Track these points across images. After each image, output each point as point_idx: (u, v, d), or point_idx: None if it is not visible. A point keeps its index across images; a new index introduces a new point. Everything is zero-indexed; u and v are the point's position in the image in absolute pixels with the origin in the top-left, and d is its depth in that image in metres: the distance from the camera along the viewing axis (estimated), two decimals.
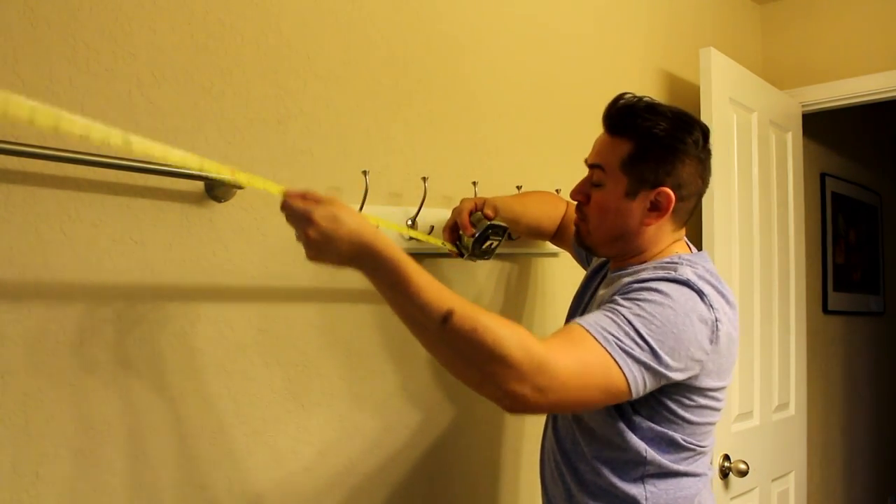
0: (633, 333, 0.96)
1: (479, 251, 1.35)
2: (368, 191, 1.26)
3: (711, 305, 1.02)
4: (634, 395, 0.98)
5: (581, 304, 1.30)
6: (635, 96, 1.14)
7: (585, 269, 1.44)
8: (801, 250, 2.48)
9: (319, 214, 0.88)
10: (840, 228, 3.24)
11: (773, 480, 2.26)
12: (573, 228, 1.49)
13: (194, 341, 1.12)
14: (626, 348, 0.95)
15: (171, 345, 1.09)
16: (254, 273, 1.19)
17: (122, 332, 1.04)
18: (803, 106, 2.55)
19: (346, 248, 0.89)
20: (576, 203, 1.19)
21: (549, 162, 1.74)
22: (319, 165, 1.28)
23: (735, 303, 1.12)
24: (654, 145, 1.09)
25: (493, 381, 0.90)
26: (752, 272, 2.16)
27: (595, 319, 0.98)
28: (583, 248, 1.24)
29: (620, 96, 1.15)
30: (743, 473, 1.97)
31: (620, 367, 0.94)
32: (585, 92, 1.86)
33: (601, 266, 1.30)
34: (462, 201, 1.37)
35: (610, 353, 0.94)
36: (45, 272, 0.97)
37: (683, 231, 1.19)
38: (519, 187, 1.59)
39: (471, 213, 1.34)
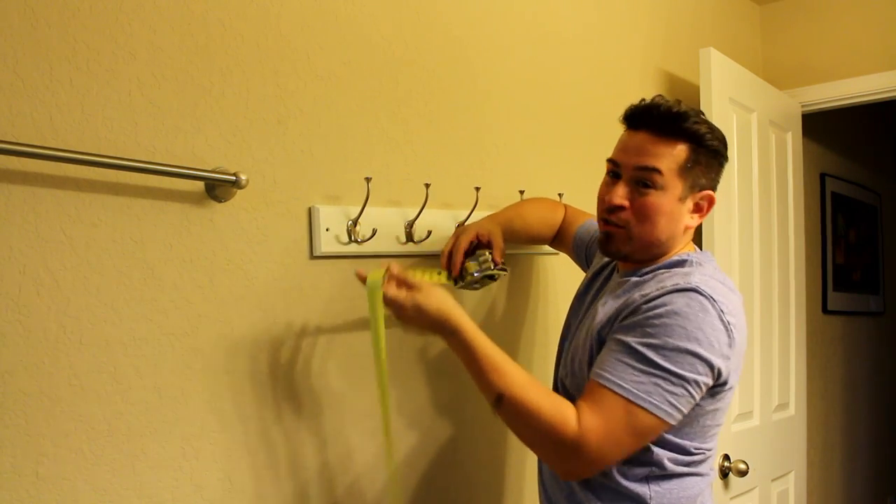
0: (647, 367, 0.99)
1: (474, 286, 1.35)
2: (370, 189, 1.26)
3: (723, 310, 1.03)
4: (674, 421, 1.02)
5: (582, 306, 1.29)
6: (669, 100, 1.12)
7: (585, 271, 1.44)
8: (800, 250, 2.48)
9: (409, 305, 1.07)
10: (840, 228, 3.24)
11: (772, 480, 2.26)
12: (572, 232, 1.50)
13: (195, 341, 1.12)
14: (645, 388, 0.99)
15: (171, 345, 1.09)
16: (254, 273, 1.19)
17: (122, 332, 1.04)
18: (803, 106, 2.55)
19: (429, 327, 1.07)
20: (607, 208, 1.13)
21: (550, 163, 1.74)
22: (319, 165, 1.28)
23: (740, 296, 1.12)
24: (707, 150, 1.11)
25: (543, 456, 1.11)
26: (752, 272, 2.16)
27: (610, 370, 1.02)
28: (611, 257, 1.20)
29: (655, 98, 1.13)
30: (743, 473, 1.97)
31: (646, 409, 0.99)
32: (586, 92, 1.86)
33: (603, 267, 1.30)
34: (463, 231, 1.35)
35: (630, 401, 0.99)
36: (45, 272, 0.97)
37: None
38: (521, 192, 1.59)
39: (471, 243, 1.33)
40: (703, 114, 1.14)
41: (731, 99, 2.06)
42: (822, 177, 3.09)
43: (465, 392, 1.52)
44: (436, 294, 1.06)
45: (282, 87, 1.23)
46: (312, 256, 1.27)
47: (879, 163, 3.80)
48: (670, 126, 1.09)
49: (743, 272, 2.11)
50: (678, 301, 1.02)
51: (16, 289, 0.95)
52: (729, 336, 1.03)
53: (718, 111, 1.98)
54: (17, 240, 0.95)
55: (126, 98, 1.05)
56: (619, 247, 1.14)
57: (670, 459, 1.08)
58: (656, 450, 1.07)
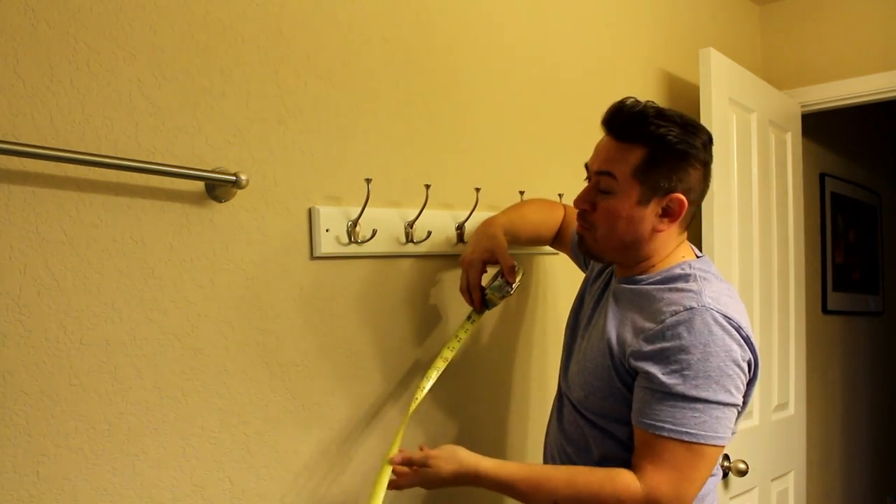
0: (701, 405, 1.01)
1: (494, 306, 1.39)
2: (370, 189, 1.27)
3: (740, 325, 1.04)
4: (731, 440, 1.06)
5: (584, 311, 1.29)
6: (638, 101, 1.12)
7: (584, 271, 1.44)
8: (800, 250, 2.48)
9: (426, 481, 1.12)
10: (839, 228, 3.24)
11: (772, 480, 2.26)
12: (570, 232, 1.50)
13: (195, 341, 1.12)
14: (709, 425, 1.01)
15: (171, 345, 1.09)
16: (254, 273, 1.19)
17: (122, 332, 1.04)
18: (803, 106, 2.55)
19: (453, 484, 1.12)
20: (579, 212, 1.17)
21: (550, 163, 1.74)
22: (319, 165, 1.28)
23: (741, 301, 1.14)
24: (667, 152, 1.08)
25: None
26: (752, 272, 2.16)
27: (664, 416, 1.02)
28: (588, 257, 1.23)
29: (622, 101, 1.13)
30: (742, 473, 1.97)
31: (714, 445, 1.02)
32: (585, 92, 1.86)
33: (602, 271, 1.30)
34: (470, 265, 1.34)
35: (700, 443, 1.01)
36: (45, 272, 0.97)
37: (686, 234, 1.18)
38: (521, 192, 1.59)
39: (482, 274, 1.34)
40: (676, 115, 1.11)
41: (731, 99, 2.06)
42: (822, 177, 3.09)
43: (466, 393, 1.52)
44: (443, 457, 1.11)
45: (282, 87, 1.23)
46: (313, 257, 1.27)
47: (879, 163, 3.80)
48: (628, 130, 1.10)
49: (742, 272, 2.11)
50: (698, 326, 1.02)
51: (16, 289, 0.95)
52: (749, 349, 1.05)
53: (718, 111, 1.99)
54: (17, 240, 0.95)
55: (126, 98, 1.05)
56: (590, 247, 1.17)
57: None
58: None
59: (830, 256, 3.13)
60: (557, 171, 1.75)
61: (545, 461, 1.27)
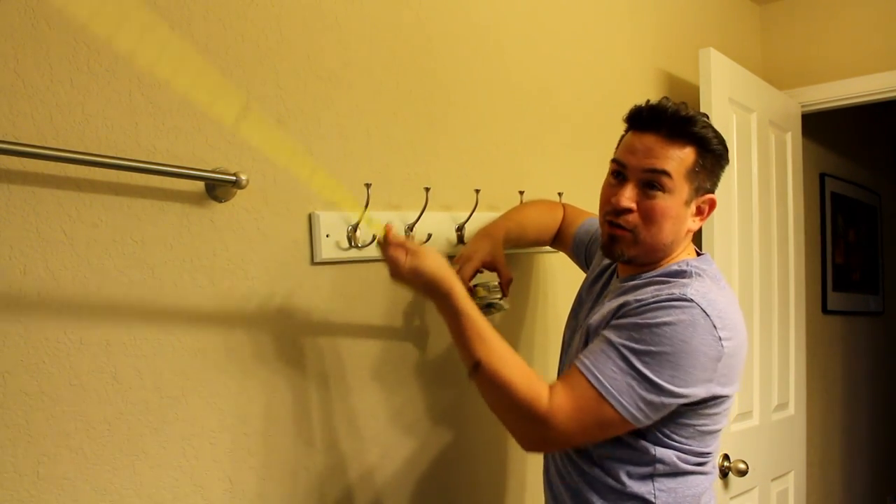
0: (626, 367, 1.01)
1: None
2: (370, 194, 1.26)
3: (715, 325, 1.02)
4: (640, 424, 1.03)
5: (582, 311, 1.29)
6: (677, 103, 1.11)
7: (584, 271, 1.44)
8: (800, 250, 2.48)
9: (407, 268, 1.09)
10: (839, 228, 3.24)
11: (772, 480, 2.26)
12: (572, 232, 1.50)
13: (195, 341, 1.12)
14: (618, 385, 1.01)
15: (171, 345, 1.09)
16: (254, 273, 1.19)
17: (122, 332, 1.04)
18: (803, 106, 2.55)
19: (422, 287, 1.10)
20: (613, 210, 1.11)
21: (550, 163, 1.74)
22: (319, 166, 1.28)
23: (738, 306, 1.12)
24: (710, 154, 1.11)
25: (508, 425, 1.10)
26: (752, 272, 2.16)
27: (592, 359, 1.04)
28: (614, 260, 1.18)
29: (662, 99, 1.11)
30: (742, 473, 1.97)
31: (612, 405, 1.01)
32: (585, 93, 1.86)
33: (603, 271, 1.30)
34: (468, 260, 1.33)
35: (602, 395, 1.02)
36: (45, 272, 0.97)
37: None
38: (521, 192, 1.59)
39: (476, 272, 1.33)
40: (707, 117, 1.14)
41: (731, 99, 2.06)
42: (822, 177, 3.09)
43: (465, 396, 1.52)
44: (433, 257, 1.09)
45: (282, 87, 1.23)
46: (313, 262, 1.27)
47: (879, 163, 3.80)
48: (679, 129, 1.08)
49: (743, 272, 2.11)
50: (672, 312, 1.01)
51: (17, 289, 0.95)
52: (718, 352, 1.02)
53: (718, 111, 1.99)
54: (17, 240, 0.95)
55: (126, 98, 1.05)
56: (624, 250, 1.12)
57: (674, 459, 1.08)
58: (659, 450, 1.07)
59: (830, 256, 3.13)
60: (557, 172, 1.75)
61: (546, 470, 1.26)
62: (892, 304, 3.85)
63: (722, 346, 1.02)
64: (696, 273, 1.10)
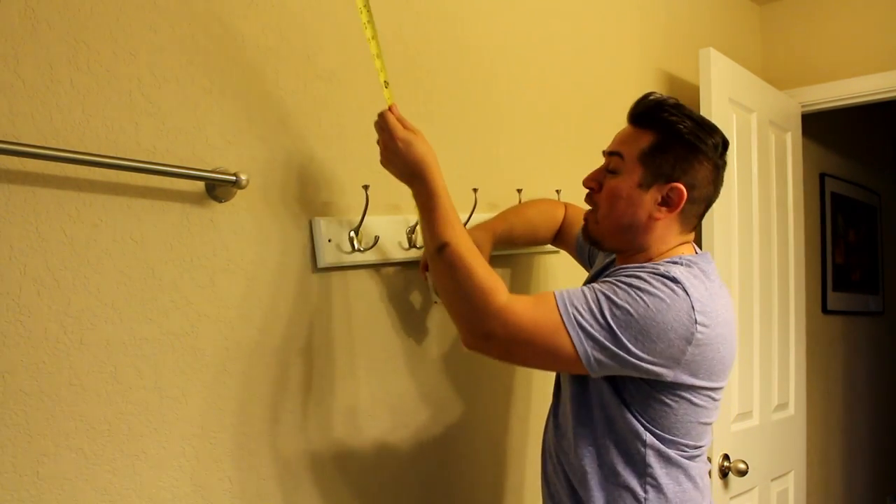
0: (596, 311, 1.02)
1: None
2: (368, 196, 1.26)
3: (694, 307, 1.03)
4: (589, 369, 1.03)
5: None
6: (662, 96, 1.16)
7: (588, 271, 1.44)
8: (800, 250, 2.48)
9: (400, 136, 1.11)
10: (839, 228, 3.24)
11: (772, 480, 2.26)
12: (575, 231, 1.50)
13: (195, 341, 1.12)
14: (582, 322, 1.02)
15: (171, 345, 1.09)
16: (254, 273, 1.19)
17: (122, 332, 1.04)
18: (803, 106, 2.55)
19: (406, 168, 1.12)
20: (587, 192, 1.19)
21: (549, 163, 1.74)
22: (320, 165, 1.28)
23: (730, 303, 1.12)
24: (675, 140, 1.11)
25: (460, 312, 1.08)
26: (752, 272, 2.16)
27: (569, 292, 1.06)
28: (589, 242, 1.23)
29: (649, 93, 1.17)
30: (742, 473, 1.97)
31: (570, 336, 1.02)
32: (585, 92, 1.86)
33: (605, 268, 1.30)
34: None
35: (564, 321, 1.02)
36: (45, 272, 0.97)
37: (692, 236, 1.19)
38: (519, 190, 1.59)
39: None
40: (696, 114, 1.14)
41: (731, 99, 2.06)
42: (822, 177, 3.09)
43: (466, 391, 1.52)
44: (425, 143, 1.13)
45: (282, 87, 1.23)
46: (316, 268, 1.27)
47: (879, 163, 3.80)
48: (643, 116, 1.14)
49: (742, 272, 2.11)
50: (655, 284, 1.03)
51: (16, 289, 0.95)
52: (689, 333, 1.02)
53: (718, 111, 1.99)
54: (17, 240, 0.95)
55: (126, 98, 1.05)
56: (591, 230, 1.19)
57: (663, 453, 1.09)
58: (648, 438, 1.08)
59: (830, 256, 3.13)
60: (556, 171, 1.75)
61: (544, 467, 1.27)
62: (892, 304, 3.85)
63: (696, 328, 1.02)
64: (687, 263, 1.10)
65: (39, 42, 0.97)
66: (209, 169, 1.11)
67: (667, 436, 1.09)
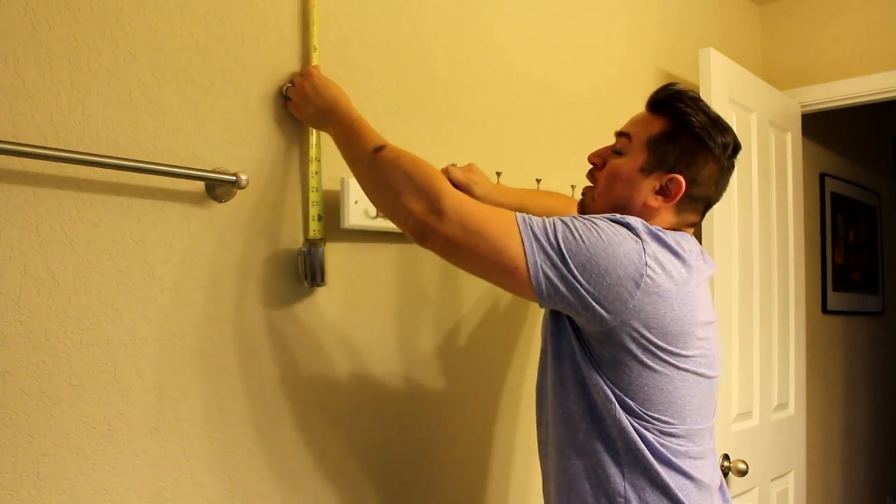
0: (550, 232, 1.01)
1: None
2: None
3: (645, 251, 1.01)
4: (536, 286, 1.00)
5: None
6: (685, 88, 1.16)
7: None
8: (800, 250, 2.48)
9: (317, 77, 1.19)
10: (839, 228, 3.24)
11: (772, 480, 2.26)
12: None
13: (195, 341, 1.12)
14: (537, 233, 1.01)
15: (171, 345, 1.09)
16: (254, 273, 1.19)
17: (122, 332, 1.04)
18: (803, 106, 2.55)
19: (323, 104, 1.17)
20: (589, 168, 1.19)
21: (549, 162, 1.74)
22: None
23: (698, 268, 1.08)
24: (685, 132, 1.11)
25: (401, 201, 1.04)
26: (752, 272, 2.16)
27: (528, 215, 1.04)
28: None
29: (672, 83, 1.17)
30: (742, 473, 1.97)
31: (522, 240, 1.00)
32: (585, 92, 1.86)
33: None
34: (448, 171, 1.25)
35: (518, 225, 1.01)
36: (45, 272, 0.97)
37: (689, 231, 1.17)
38: (538, 180, 1.60)
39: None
40: (713, 112, 1.14)
41: (731, 99, 2.06)
42: (822, 177, 3.09)
43: (466, 392, 1.52)
44: (335, 84, 1.19)
45: (281, 86, 1.23)
46: (341, 227, 1.28)
47: (879, 163, 3.80)
48: (660, 103, 1.15)
49: (742, 272, 2.11)
50: (613, 225, 1.03)
51: (16, 289, 0.95)
52: (639, 273, 0.99)
53: (718, 111, 1.97)
54: (17, 240, 0.95)
55: (126, 98, 1.05)
56: (586, 205, 1.19)
57: (635, 427, 1.03)
58: (618, 402, 1.03)
59: (830, 256, 3.13)
60: (557, 171, 1.75)
61: (541, 459, 1.26)
62: (892, 304, 3.85)
63: (645, 271, 0.99)
64: (657, 231, 1.06)
65: (39, 42, 0.97)
66: (209, 169, 1.11)
67: (630, 402, 1.03)
